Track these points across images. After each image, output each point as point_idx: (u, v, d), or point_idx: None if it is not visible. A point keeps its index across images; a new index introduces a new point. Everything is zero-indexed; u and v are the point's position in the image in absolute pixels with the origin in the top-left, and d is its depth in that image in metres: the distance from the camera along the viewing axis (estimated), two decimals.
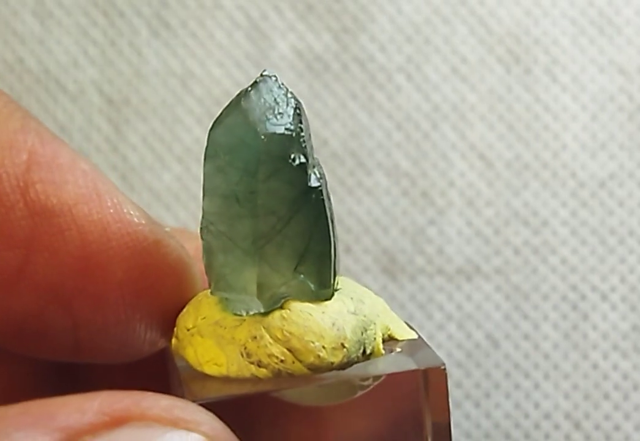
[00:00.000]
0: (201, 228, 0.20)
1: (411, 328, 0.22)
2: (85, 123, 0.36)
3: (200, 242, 0.20)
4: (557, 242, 0.36)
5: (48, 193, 0.20)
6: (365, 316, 0.20)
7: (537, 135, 0.36)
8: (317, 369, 0.20)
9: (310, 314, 0.20)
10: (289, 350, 0.20)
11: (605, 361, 0.35)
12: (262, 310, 0.20)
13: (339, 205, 0.36)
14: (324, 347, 0.20)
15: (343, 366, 0.20)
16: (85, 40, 0.37)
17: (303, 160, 0.20)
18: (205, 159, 0.20)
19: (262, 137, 0.19)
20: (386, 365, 0.20)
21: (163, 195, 0.36)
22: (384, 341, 0.21)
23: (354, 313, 0.20)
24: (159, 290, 0.21)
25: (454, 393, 0.34)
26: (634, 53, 0.37)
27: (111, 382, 0.25)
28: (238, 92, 0.20)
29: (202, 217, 0.20)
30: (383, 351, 0.21)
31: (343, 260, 0.35)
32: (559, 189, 0.36)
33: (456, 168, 0.36)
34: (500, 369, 0.35)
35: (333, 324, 0.20)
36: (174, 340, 0.21)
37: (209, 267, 0.20)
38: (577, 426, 0.34)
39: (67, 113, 0.36)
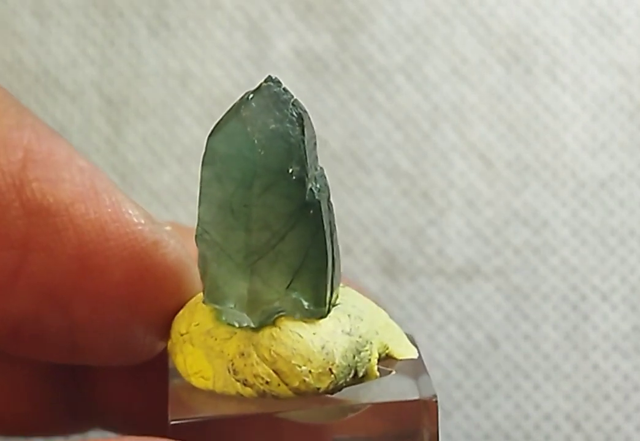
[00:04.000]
0: (196, 236, 0.20)
1: (413, 343, 0.21)
2: (84, 124, 0.36)
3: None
4: (558, 242, 0.35)
5: (44, 192, 0.20)
6: (360, 336, 0.20)
7: (537, 135, 0.36)
8: (303, 393, 0.19)
9: (301, 335, 0.19)
10: (275, 371, 0.19)
11: (606, 362, 0.35)
12: (252, 325, 0.19)
13: (339, 206, 0.36)
14: (310, 372, 0.19)
15: (330, 391, 0.19)
16: (85, 40, 0.37)
17: (302, 173, 0.19)
18: (202, 164, 0.19)
19: (260, 149, 0.19)
20: (375, 392, 0.19)
21: (163, 195, 0.36)
22: (381, 360, 0.20)
23: (349, 334, 0.20)
24: (158, 292, 0.21)
25: (453, 394, 0.34)
26: (634, 53, 0.37)
27: (112, 384, 0.25)
28: (241, 95, 0.19)
29: (197, 225, 0.20)
30: (377, 374, 0.20)
31: (343, 260, 0.35)
32: (559, 189, 0.36)
33: (456, 169, 0.36)
34: (500, 370, 0.35)
35: (322, 347, 0.19)
36: (169, 342, 0.21)
37: (203, 275, 0.20)
38: (577, 427, 0.34)
39: (66, 113, 0.36)
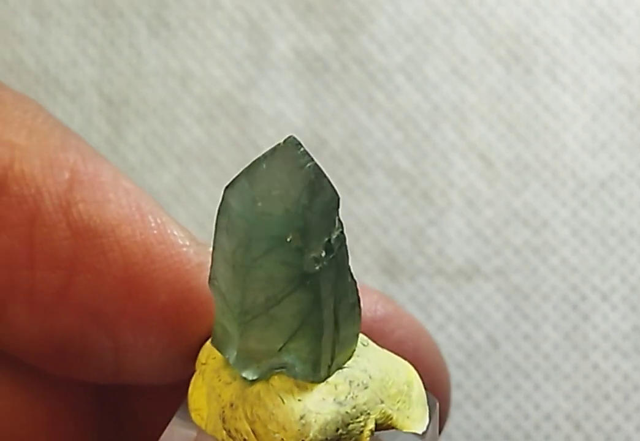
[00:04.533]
0: (209, 279, 0.19)
1: (432, 412, 0.20)
2: (84, 124, 0.36)
3: None
4: (558, 242, 0.35)
5: (90, 213, 0.20)
6: (355, 407, 0.19)
7: (537, 135, 0.36)
8: None
9: (283, 401, 0.19)
10: (253, 431, 0.19)
11: (606, 362, 0.35)
12: (250, 378, 0.19)
13: None
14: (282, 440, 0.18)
15: None
16: (85, 40, 0.37)
17: (301, 243, 0.18)
18: (218, 213, 0.19)
19: (260, 214, 0.18)
20: None
21: (163, 195, 0.36)
22: (382, 429, 0.19)
23: (341, 404, 0.19)
24: (202, 314, 0.21)
25: (454, 394, 0.34)
26: (635, 53, 0.37)
27: (152, 401, 0.25)
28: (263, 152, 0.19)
29: (211, 268, 0.19)
30: None
31: None
32: (559, 189, 0.36)
33: (456, 169, 0.36)
34: (500, 370, 0.35)
35: (301, 417, 0.18)
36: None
37: (215, 317, 0.20)
38: (577, 427, 0.34)
39: (66, 113, 0.36)
